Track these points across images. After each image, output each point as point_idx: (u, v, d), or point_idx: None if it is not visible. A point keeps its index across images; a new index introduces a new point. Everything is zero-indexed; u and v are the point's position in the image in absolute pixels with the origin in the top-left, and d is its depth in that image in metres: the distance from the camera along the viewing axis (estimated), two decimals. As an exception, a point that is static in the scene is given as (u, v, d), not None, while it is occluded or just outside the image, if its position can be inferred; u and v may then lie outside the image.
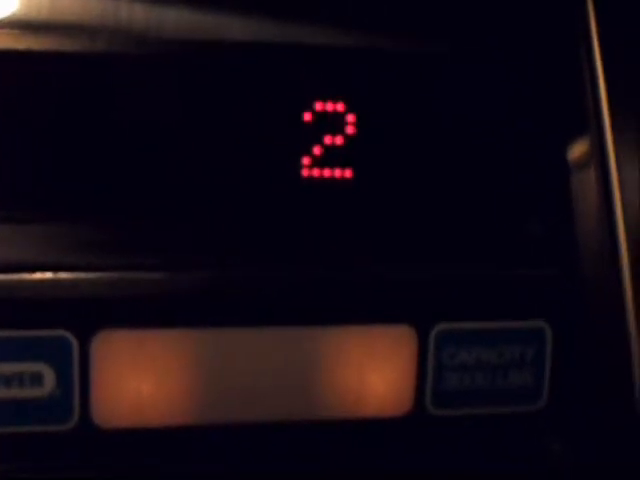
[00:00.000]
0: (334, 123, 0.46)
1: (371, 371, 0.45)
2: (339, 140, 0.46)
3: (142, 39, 0.44)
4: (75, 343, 0.42)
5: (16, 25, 0.43)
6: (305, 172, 0.46)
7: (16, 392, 0.42)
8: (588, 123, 0.48)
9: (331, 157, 0.46)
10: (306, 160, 0.46)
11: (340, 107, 0.46)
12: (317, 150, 0.46)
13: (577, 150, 0.48)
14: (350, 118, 0.46)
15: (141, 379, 0.43)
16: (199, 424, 0.44)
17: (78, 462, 0.43)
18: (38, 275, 0.42)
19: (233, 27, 0.45)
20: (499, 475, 0.47)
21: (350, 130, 0.46)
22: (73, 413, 0.43)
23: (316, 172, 0.46)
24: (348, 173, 0.46)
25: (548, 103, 0.48)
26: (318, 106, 0.46)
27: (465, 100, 0.47)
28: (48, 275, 0.42)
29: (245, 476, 0.45)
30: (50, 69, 0.43)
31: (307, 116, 0.46)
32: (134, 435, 0.44)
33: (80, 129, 0.43)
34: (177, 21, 0.45)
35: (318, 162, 0.46)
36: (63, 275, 0.42)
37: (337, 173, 0.46)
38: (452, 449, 0.47)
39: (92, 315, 0.42)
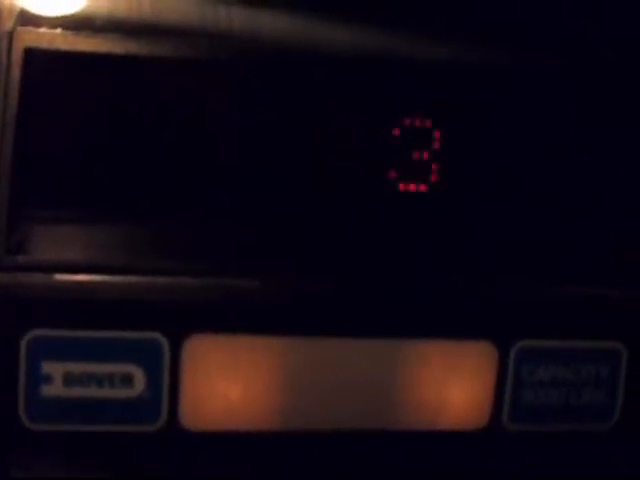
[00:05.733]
0: (421, 139, 0.47)
1: (451, 384, 0.46)
2: (426, 155, 0.47)
3: (239, 46, 0.45)
4: (166, 346, 0.43)
5: (115, 29, 0.44)
6: (393, 185, 0.47)
7: (107, 392, 0.43)
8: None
9: (417, 171, 0.47)
10: (393, 174, 0.47)
11: (428, 124, 0.47)
12: (404, 164, 0.47)
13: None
14: (436, 134, 0.47)
15: (229, 384, 0.44)
16: (282, 430, 0.45)
17: (164, 463, 0.44)
18: (133, 278, 0.43)
19: (330, 40, 0.46)
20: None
21: (436, 146, 0.47)
22: (161, 415, 0.44)
23: (402, 186, 0.47)
24: (434, 187, 0.47)
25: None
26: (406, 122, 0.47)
27: (556, 123, 0.48)
28: (143, 279, 0.43)
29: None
30: (143, 73, 0.44)
31: (395, 131, 0.47)
32: (219, 439, 0.44)
33: (179, 132, 0.44)
34: (274, 29, 0.45)
35: (405, 176, 0.47)
36: (158, 279, 0.43)
37: (423, 188, 0.47)
38: (525, 463, 0.47)
39: (184, 319, 0.43)
